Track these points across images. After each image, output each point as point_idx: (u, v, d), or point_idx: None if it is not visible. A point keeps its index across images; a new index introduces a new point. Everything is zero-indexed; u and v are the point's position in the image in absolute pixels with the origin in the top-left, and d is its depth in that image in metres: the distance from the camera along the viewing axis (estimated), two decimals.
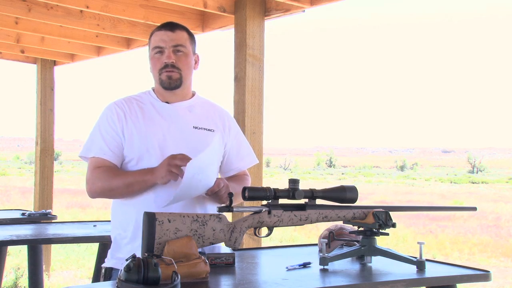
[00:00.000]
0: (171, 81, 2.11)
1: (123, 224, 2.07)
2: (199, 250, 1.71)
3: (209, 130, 2.15)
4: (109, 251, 2.14)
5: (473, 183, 35.11)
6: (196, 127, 2.13)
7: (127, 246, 2.05)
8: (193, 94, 2.24)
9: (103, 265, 2.14)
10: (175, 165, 1.90)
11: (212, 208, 2.06)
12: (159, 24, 2.20)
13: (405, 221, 13.99)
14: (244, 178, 2.26)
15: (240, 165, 2.26)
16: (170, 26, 2.13)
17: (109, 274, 2.09)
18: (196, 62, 2.21)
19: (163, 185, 1.98)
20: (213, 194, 1.98)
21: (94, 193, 2.08)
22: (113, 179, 2.03)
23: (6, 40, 5.03)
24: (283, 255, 2.01)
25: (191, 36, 2.19)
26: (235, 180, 2.20)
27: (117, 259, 2.07)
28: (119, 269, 2.03)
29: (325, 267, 1.85)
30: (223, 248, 2.13)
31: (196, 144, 2.07)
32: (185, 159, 1.89)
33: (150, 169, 1.99)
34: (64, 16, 4.22)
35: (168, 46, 2.10)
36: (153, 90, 2.20)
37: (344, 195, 1.91)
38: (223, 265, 1.86)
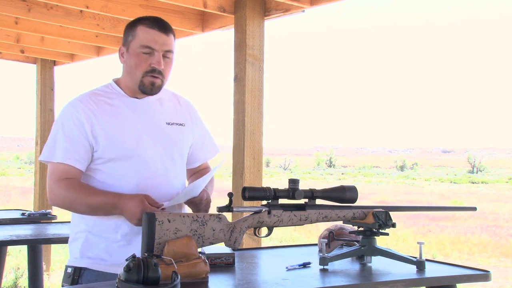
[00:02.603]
0: (154, 88, 1.99)
1: (98, 220, 1.94)
2: (199, 250, 1.71)
3: (180, 124, 2.08)
4: (78, 250, 1.97)
5: (473, 183, 35.11)
6: (168, 123, 2.05)
7: (101, 245, 1.94)
8: None
9: (71, 264, 1.98)
10: None
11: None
12: (148, 17, 2.02)
13: (405, 221, 13.99)
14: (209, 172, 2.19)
15: (205, 156, 2.22)
16: (164, 28, 1.98)
17: (78, 274, 1.95)
18: None
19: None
20: (192, 203, 1.99)
21: (55, 206, 1.97)
22: (77, 199, 1.90)
23: (6, 40, 5.03)
24: (283, 255, 2.02)
25: (175, 37, 2.07)
26: (202, 175, 2.13)
27: (90, 259, 1.95)
28: (93, 270, 1.92)
29: (325, 267, 1.85)
30: (222, 248, 2.13)
31: (170, 141, 2.03)
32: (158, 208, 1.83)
33: (116, 205, 1.84)
34: (64, 16, 4.22)
35: (159, 50, 1.96)
36: (116, 82, 2.05)
37: (344, 195, 1.91)
38: (223, 265, 1.86)
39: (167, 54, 1.99)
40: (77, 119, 1.93)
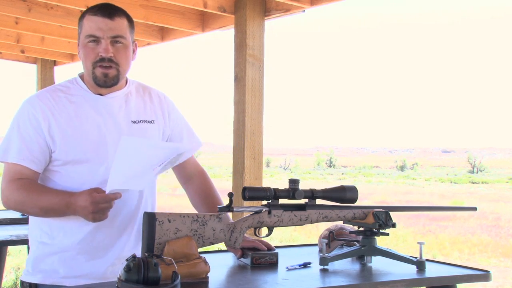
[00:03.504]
0: (107, 79, 1.84)
1: (52, 225, 1.84)
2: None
3: (149, 122, 1.95)
4: (30, 263, 1.88)
5: (473, 183, 35.08)
6: (134, 121, 1.92)
7: (53, 257, 1.84)
8: (126, 81, 1.98)
9: (24, 279, 1.88)
10: (101, 214, 1.70)
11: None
12: (93, 5, 1.88)
13: (405, 221, 13.98)
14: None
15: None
16: (108, 12, 1.83)
17: None
18: (134, 51, 1.94)
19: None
20: None
21: (8, 207, 1.86)
22: (28, 200, 1.78)
23: (6, 40, 5.04)
24: (283, 255, 2.01)
25: (131, 22, 1.91)
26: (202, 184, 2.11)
27: (42, 273, 1.85)
28: (45, 285, 1.81)
29: (325, 267, 1.85)
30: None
31: None
32: (110, 199, 1.69)
33: (68, 205, 1.72)
34: (64, 16, 4.22)
35: (105, 37, 1.81)
36: (81, 77, 1.93)
37: (344, 195, 1.91)
38: (267, 264, 1.87)
39: (117, 39, 1.84)
40: (33, 117, 1.81)
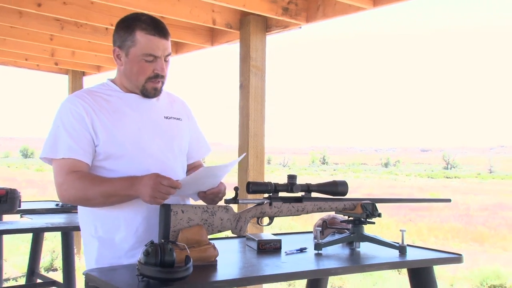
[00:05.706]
0: (156, 92, 1.78)
1: (108, 222, 1.71)
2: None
3: (177, 119, 1.86)
4: (94, 258, 1.71)
5: (447, 178, 35.03)
6: (166, 117, 1.83)
7: (115, 251, 1.69)
8: None
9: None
10: (160, 193, 1.57)
11: None
12: (144, 19, 1.73)
13: (389, 211, 13.94)
14: None
15: (199, 154, 2.00)
16: (163, 33, 1.73)
17: None
18: None
19: None
20: (210, 195, 1.76)
21: (67, 201, 1.68)
22: (91, 188, 1.63)
23: (42, 54, 5.04)
24: (283, 242, 2.00)
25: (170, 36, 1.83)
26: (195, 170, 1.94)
27: (116, 259, 1.68)
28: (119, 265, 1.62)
29: (319, 251, 1.84)
30: (269, 235, 1.98)
31: (169, 135, 1.81)
32: (172, 185, 1.58)
33: (133, 183, 1.61)
34: (92, 33, 4.23)
35: (162, 56, 1.74)
36: (111, 81, 1.84)
37: (336, 188, 1.90)
38: (272, 250, 1.86)
39: (166, 57, 1.77)
40: (76, 113, 1.68)
